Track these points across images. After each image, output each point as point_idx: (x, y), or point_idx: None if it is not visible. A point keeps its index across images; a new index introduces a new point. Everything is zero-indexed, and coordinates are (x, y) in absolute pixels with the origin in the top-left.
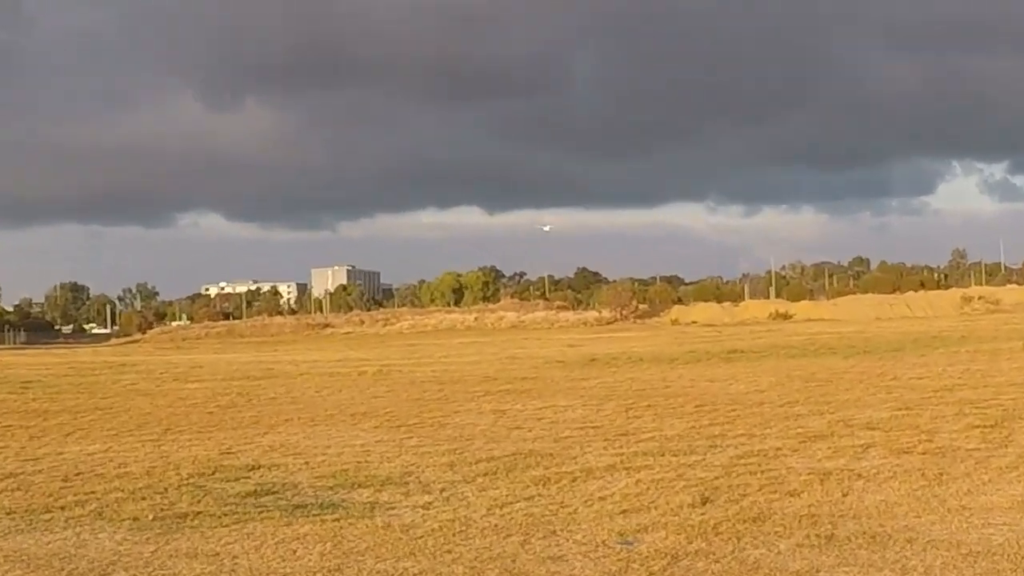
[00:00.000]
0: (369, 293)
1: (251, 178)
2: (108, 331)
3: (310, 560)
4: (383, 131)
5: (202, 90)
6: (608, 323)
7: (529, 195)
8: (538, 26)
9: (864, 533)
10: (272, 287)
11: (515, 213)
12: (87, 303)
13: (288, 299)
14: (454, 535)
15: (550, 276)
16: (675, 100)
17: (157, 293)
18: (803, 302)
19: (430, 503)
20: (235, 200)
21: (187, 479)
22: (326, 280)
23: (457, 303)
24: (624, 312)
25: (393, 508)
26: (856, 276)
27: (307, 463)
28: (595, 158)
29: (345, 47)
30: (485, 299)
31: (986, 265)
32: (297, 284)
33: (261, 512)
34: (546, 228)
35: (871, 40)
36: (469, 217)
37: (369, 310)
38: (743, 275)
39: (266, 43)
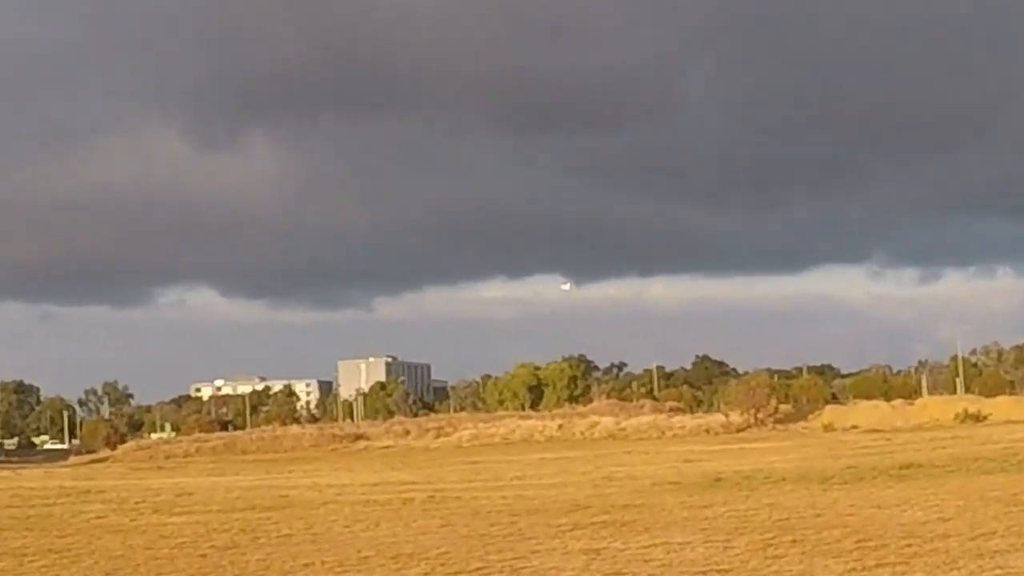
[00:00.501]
0: (416, 393)
1: (255, 240)
2: (66, 446)
3: None
4: (432, 175)
5: (188, 123)
6: (738, 430)
7: (628, 259)
8: (636, 34)
9: None
10: (286, 386)
11: (610, 283)
12: (37, 409)
13: (308, 402)
14: None
15: (659, 368)
16: (822, 129)
17: (131, 395)
18: (1001, 398)
19: None
20: (234, 270)
21: None
22: (358, 376)
23: (534, 405)
24: (760, 415)
25: None
26: None
27: None
28: (715, 208)
29: (382, 63)
30: (572, 400)
31: None
32: (319, 382)
33: None
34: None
35: None
36: (549, 290)
37: (416, 416)
38: (919, 363)
39: (274, 60)
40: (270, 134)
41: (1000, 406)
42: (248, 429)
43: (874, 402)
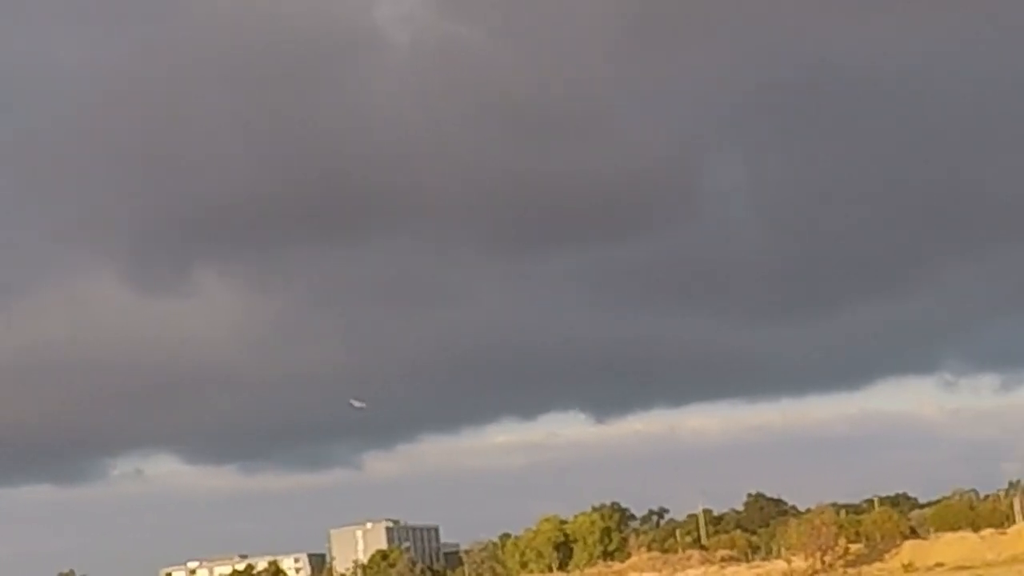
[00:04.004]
0: (424, 560)
1: (218, 396)
2: None
3: None
4: (423, 305)
5: (131, 262)
6: None
7: (656, 387)
8: (654, 128)
9: None
10: (271, 563)
11: (637, 417)
12: None
13: None
14: None
15: (706, 511)
16: (875, 222)
17: None
18: None
19: None
20: (197, 433)
21: None
22: (355, 546)
23: (563, 565)
24: (827, 558)
25: None
26: None
27: None
28: (755, 321)
29: (359, 180)
30: (606, 555)
31: None
32: (310, 556)
33: None
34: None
35: None
36: (570, 429)
37: None
38: (1010, 484)
39: (228, 185)
40: (225, 270)
41: None
42: None
43: (960, 534)
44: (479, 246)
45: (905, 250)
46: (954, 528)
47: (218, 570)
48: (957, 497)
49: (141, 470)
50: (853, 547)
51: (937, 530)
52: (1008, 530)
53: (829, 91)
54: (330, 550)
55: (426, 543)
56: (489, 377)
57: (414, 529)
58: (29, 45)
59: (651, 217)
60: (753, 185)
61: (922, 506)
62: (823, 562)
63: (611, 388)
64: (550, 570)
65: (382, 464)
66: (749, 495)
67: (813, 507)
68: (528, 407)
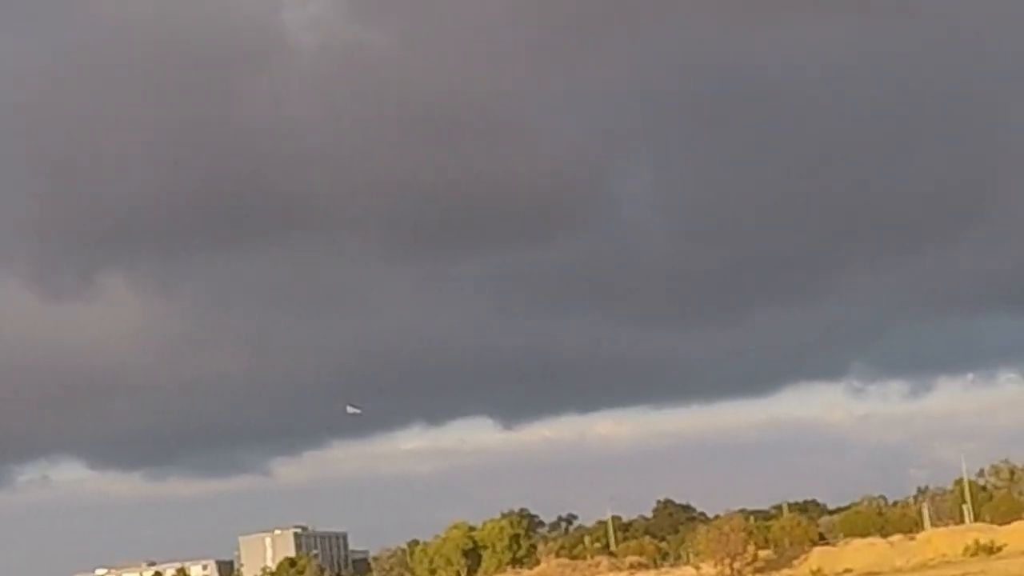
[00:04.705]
0: (333, 567)
1: (127, 402)
2: None
3: None
4: (331, 311)
5: (35, 267)
6: None
7: (566, 393)
8: (564, 132)
9: None
10: (179, 570)
11: (548, 423)
12: None
13: None
14: None
15: (615, 518)
16: (784, 228)
17: None
18: (1017, 524)
19: None
20: (103, 438)
21: None
22: (263, 553)
23: (472, 572)
24: (736, 564)
25: None
26: None
27: None
28: (665, 327)
29: (264, 184)
30: (515, 562)
31: None
32: (218, 562)
33: None
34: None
35: None
36: (477, 435)
37: None
38: (918, 490)
39: (132, 191)
40: (131, 277)
41: (1017, 534)
42: None
43: (869, 540)
44: (388, 251)
45: (813, 256)
46: (863, 534)
47: None
48: (866, 503)
49: (47, 476)
50: (762, 553)
51: (846, 536)
52: (917, 536)
53: (739, 97)
54: (238, 557)
55: (334, 550)
56: (398, 383)
57: (322, 536)
58: None
59: (560, 222)
60: (663, 189)
61: (831, 512)
62: (732, 568)
63: (520, 394)
64: None
65: (290, 470)
66: (658, 501)
67: (722, 513)
68: (437, 413)
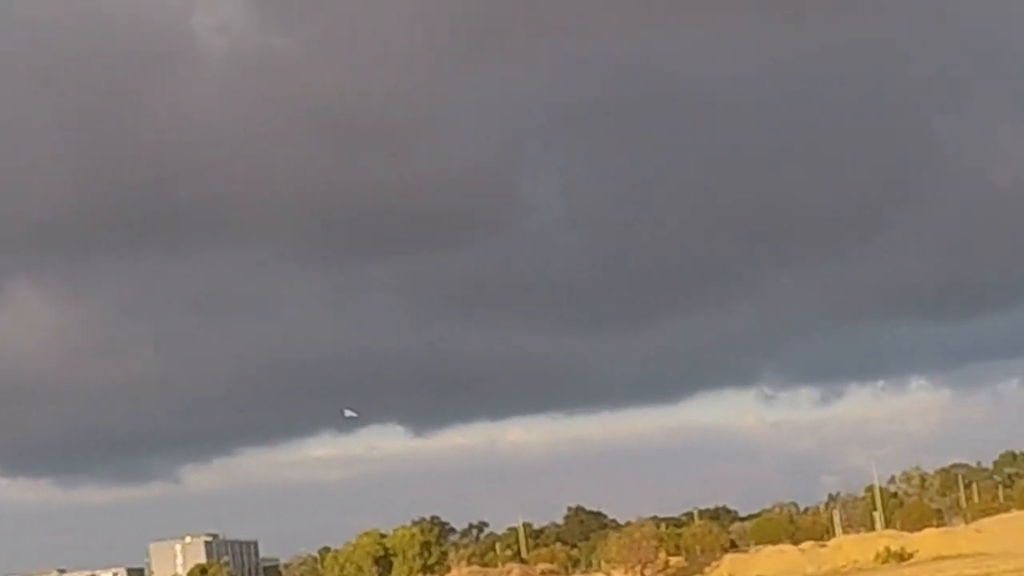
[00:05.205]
0: (243, 574)
1: (35, 408)
2: None
3: None
4: (241, 317)
5: None
6: None
7: (476, 400)
8: (471, 136)
9: None
10: None
11: (459, 430)
12: None
13: None
14: None
15: (526, 525)
16: (694, 235)
17: None
18: (928, 531)
19: None
20: (13, 445)
21: None
22: (173, 560)
23: None
24: (648, 571)
25: None
26: (1008, 483)
27: None
28: (575, 334)
29: (171, 190)
30: (426, 569)
31: None
32: (129, 570)
33: None
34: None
35: (1001, 107)
36: (388, 442)
37: None
38: (829, 497)
39: (38, 195)
40: (38, 281)
41: (927, 541)
42: None
43: (780, 547)
44: (297, 257)
45: (724, 262)
46: (774, 541)
47: None
48: (777, 510)
49: None
50: (673, 560)
51: (757, 543)
52: (828, 543)
53: (649, 101)
54: (149, 564)
55: (245, 557)
56: (308, 390)
57: (233, 543)
58: None
59: (469, 228)
60: (572, 196)
61: (742, 519)
62: (643, 575)
63: (431, 401)
64: None
65: (201, 477)
66: (569, 508)
67: (633, 520)
68: (347, 420)
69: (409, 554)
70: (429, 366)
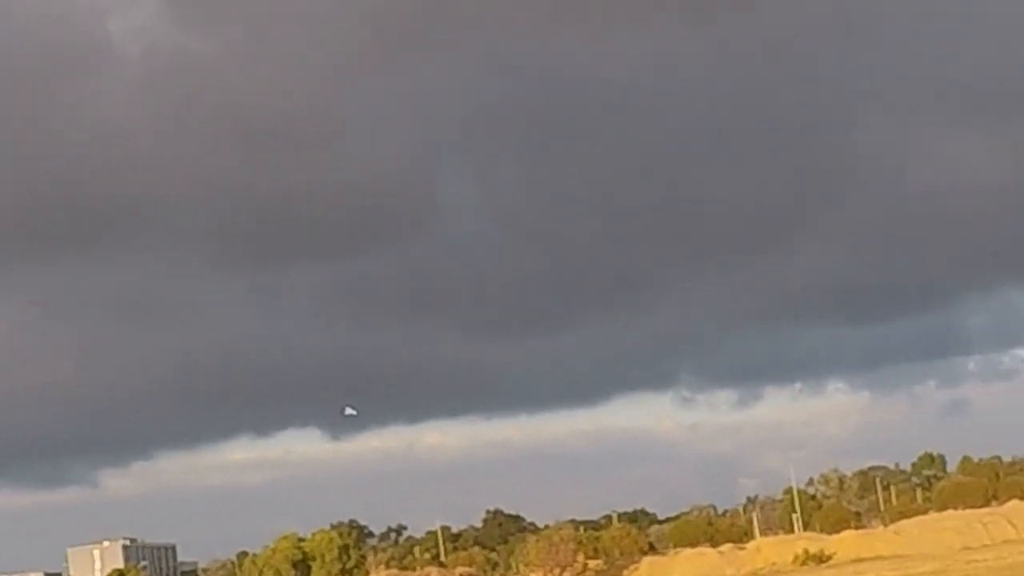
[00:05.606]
0: None
1: None
2: None
3: None
4: (156, 322)
5: None
6: None
7: (393, 404)
8: (386, 139)
9: None
10: None
11: (376, 434)
12: None
13: None
14: None
15: (445, 528)
16: (612, 237)
17: None
18: (846, 533)
19: None
20: None
21: None
22: (92, 565)
23: None
24: (567, 574)
25: None
26: (926, 485)
27: None
28: (492, 336)
29: (85, 193)
30: (344, 572)
31: None
32: (47, 575)
33: None
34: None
35: (919, 114)
36: (306, 446)
37: None
38: (748, 500)
39: None
40: None
41: (845, 543)
42: None
43: (699, 549)
44: (214, 261)
45: (642, 265)
46: (693, 543)
47: None
48: (696, 513)
49: None
50: (592, 563)
51: (676, 546)
52: (747, 545)
53: (569, 104)
54: (67, 569)
55: (163, 561)
56: (225, 394)
57: (151, 547)
58: None
59: (388, 230)
60: (489, 198)
61: (661, 522)
62: None
63: (347, 404)
64: None
65: (118, 482)
66: (488, 512)
67: (552, 523)
68: (265, 424)
69: (327, 558)
70: (346, 370)
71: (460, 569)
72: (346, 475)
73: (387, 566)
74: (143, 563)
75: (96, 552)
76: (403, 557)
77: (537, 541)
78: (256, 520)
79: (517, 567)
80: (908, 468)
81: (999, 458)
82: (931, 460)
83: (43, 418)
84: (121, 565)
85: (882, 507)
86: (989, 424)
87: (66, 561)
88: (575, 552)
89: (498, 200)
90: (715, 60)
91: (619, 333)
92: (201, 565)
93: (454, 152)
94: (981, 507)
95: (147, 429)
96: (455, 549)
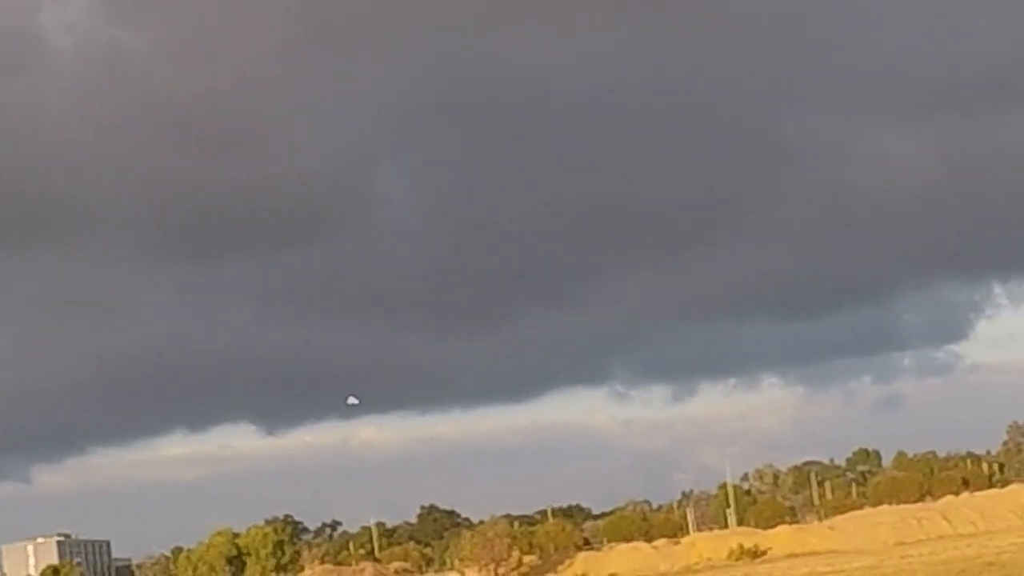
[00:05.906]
0: (96, 574)
1: None
2: None
3: None
4: (89, 317)
5: None
6: None
7: (329, 399)
8: (321, 135)
9: None
10: None
11: (309, 429)
12: None
13: None
14: None
15: (379, 524)
16: (545, 233)
17: None
18: (781, 528)
19: None
20: None
21: None
22: (26, 561)
23: None
24: (501, 570)
25: None
26: (861, 480)
27: None
28: (425, 331)
29: (15, 188)
30: (279, 569)
31: None
32: None
33: None
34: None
35: (853, 108)
36: (239, 441)
37: None
38: (683, 495)
39: None
40: None
41: (780, 538)
42: None
43: (633, 544)
44: (146, 257)
45: (576, 260)
46: (627, 539)
47: None
48: (630, 508)
49: None
50: (527, 558)
51: (611, 541)
52: (681, 540)
53: (504, 99)
54: (0, 565)
55: (98, 557)
56: (159, 389)
57: (86, 543)
58: None
59: (322, 226)
60: (424, 193)
61: (595, 517)
62: (497, 574)
63: (281, 399)
64: None
65: (52, 478)
66: (422, 507)
67: (486, 519)
68: (198, 419)
69: (262, 553)
70: (280, 364)
71: (395, 565)
72: (280, 470)
73: (322, 561)
74: (77, 559)
75: (30, 548)
76: (338, 552)
77: (472, 537)
78: (191, 516)
79: (452, 563)
80: (843, 463)
81: (934, 453)
82: (866, 455)
83: None
84: (55, 561)
85: (817, 502)
86: (923, 420)
87: None
88: (510, 547)
89: (433, 195)
90: (654, 58)
91: (553, 328)
92: (136, 561)
93: (390, 147)
94: (915, 502)
95: (80, 425)
96: (390, 545)
